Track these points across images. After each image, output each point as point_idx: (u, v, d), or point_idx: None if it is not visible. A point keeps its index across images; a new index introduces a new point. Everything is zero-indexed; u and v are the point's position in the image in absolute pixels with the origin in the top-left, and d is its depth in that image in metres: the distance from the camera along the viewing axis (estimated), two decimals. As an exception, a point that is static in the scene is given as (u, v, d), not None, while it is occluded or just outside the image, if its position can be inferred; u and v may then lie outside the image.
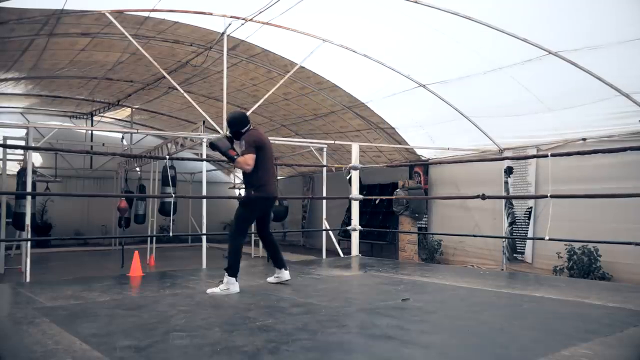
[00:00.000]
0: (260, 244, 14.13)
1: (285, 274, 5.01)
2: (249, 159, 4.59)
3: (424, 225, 11.00)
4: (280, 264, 5.02)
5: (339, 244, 9.37)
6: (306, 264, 7.77)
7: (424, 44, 7.73)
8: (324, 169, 9.13)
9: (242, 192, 4.92)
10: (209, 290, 4.57)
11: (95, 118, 15.28)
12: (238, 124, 4.80)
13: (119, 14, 7.36)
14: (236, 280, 4.59)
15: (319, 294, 4.57)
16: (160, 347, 2.87)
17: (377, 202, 13.05)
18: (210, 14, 7.59)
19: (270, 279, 5.04)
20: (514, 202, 9.08)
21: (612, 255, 7.38)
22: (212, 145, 4.80)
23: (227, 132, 4.98)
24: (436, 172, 11.03)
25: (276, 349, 2.82)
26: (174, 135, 10.23)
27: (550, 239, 5.86)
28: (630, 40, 5.99)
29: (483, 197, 6.23)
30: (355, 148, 8.28)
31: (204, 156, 8.45)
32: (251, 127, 4.84)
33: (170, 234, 7.78)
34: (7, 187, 10.49)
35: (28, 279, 6.34)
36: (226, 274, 4.59)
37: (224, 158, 4.86)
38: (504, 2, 6.49)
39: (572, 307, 4.11)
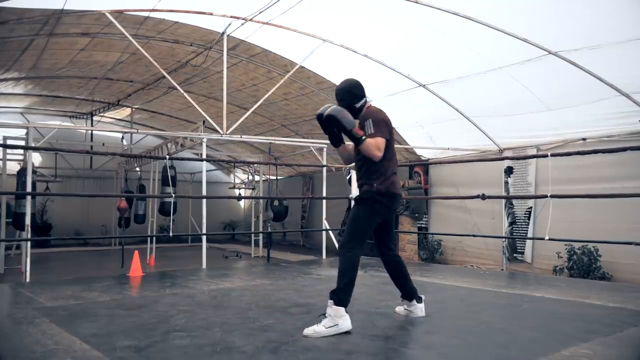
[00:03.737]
0: (260, 244, 14.38)
1: (419, 309, 3.64)
2: (382, 144, 3.31)
3: (424, 225, 11.00)
4: (409, 294, 3.65)
5: (339, 243, 9.36)
6: (306, 264, 7.78)
7: (424, 44, 7.73)
8: (324, 169, 9.13)
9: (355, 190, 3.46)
10: (307, 331, 3.11)
11: (95, 118, 15.26)
12: (352, 96, 3.46)
13: (118, 14, 7.36)
14: (346, 311, 3.20)
15: (319, 294, 4.58)
16: (160, 347, 2.87)
17: (377, 202, 13.03)
18: (211, 14, 7.59)
19: (399, 309, 3.75)
20: (514, 202, 9.08)
21: (612, 255, 7.37)
22: (331, 119, 3.24)
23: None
24: (436, 172, 11.03)
25: (276, 349, 2.82)
26: (174, 135, 10.22)
27: (550, 239, 5.87)
28: (630, 40, 5.98)
29: (483, 197, 6.24)
30: (355, 148, 8.27)
31: (204, 156, 8.46)
32: (368, 101, 3.55)
33: (170, 234, 7.77)
34: (7, 187, 10.48)
35: (28, 279, 6.33)
36: (331, 302, 3.20)
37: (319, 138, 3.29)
38: (504, 2, 6.48)
39: (572, 307, 4.11)
